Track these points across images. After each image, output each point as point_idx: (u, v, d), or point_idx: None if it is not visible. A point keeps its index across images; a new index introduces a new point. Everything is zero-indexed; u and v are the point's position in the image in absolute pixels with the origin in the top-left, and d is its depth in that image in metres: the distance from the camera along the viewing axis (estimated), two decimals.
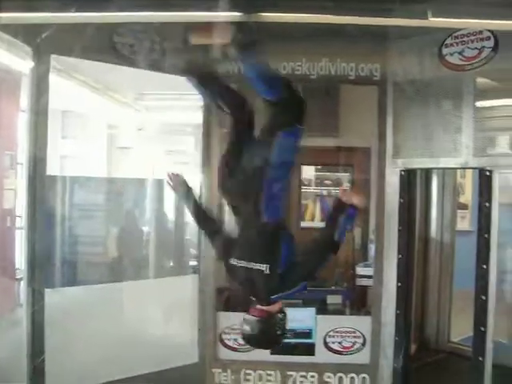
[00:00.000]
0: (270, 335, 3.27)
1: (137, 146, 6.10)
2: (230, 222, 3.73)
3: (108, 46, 4.78)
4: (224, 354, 5.48)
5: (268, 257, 3.20)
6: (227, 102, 3.50)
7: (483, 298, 4.62)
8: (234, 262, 3.30)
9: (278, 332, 3.30)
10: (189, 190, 3.72)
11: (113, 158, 6.68)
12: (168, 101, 6.18)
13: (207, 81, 3.54)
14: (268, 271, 3.17)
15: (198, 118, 5.43)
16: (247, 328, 3.24)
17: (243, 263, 3.25)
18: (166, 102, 6.25)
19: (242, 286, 3.38)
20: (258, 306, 3.28)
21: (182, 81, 5.24)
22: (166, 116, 6.35)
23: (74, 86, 5.23)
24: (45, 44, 4.29)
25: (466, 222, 8.84)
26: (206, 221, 3.70)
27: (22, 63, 4.44)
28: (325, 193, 7.12)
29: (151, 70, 4.99)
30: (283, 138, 3.20)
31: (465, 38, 4.75)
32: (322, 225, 6.64)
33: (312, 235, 3.50)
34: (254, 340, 3.32)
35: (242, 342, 5.25)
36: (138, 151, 6.05)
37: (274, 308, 3.28)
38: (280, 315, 3.29)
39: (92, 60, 4.73)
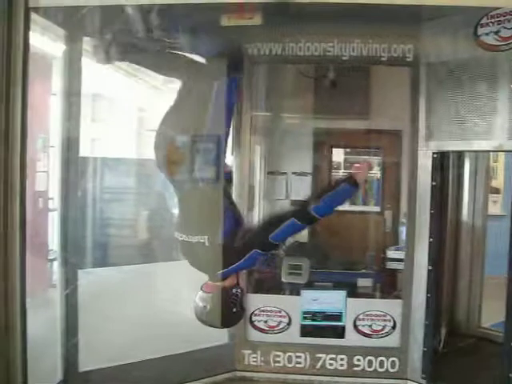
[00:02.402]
0: (223, 311, 3.08)
1: None
2: None
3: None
4: (254, 335, 5.49)
5: (207, 228, 2.98)
6: None
7: None
8: (177, 235, 3.08)
9: (234, 309, 3.14)
10: None
11: (142, 140, 6.72)
12: None
13: None
14: (208, 243, 2.96)
15: None
16: (200, 304, 3.11)
17: (184, 237, 3.04)
18: None
19: (189, 260, 3.16)
20: (210, 282, 3.11)
21: None
22: None
23: (104, 69, 5.24)
24: (77, 26, 4.28)
25: (497, 206, 8.77)
26: None
27: (53, 46, 4.45)
28: None
29: (183, 52, 4.96)
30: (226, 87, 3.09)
31: (501, 18, 4.63)
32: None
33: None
34: (207, 316, 3.13)
35: (272, 324, 5.36)
36: None
37: (226, 283, 3.09)
38: (234, 290, 3.11)
39: None
